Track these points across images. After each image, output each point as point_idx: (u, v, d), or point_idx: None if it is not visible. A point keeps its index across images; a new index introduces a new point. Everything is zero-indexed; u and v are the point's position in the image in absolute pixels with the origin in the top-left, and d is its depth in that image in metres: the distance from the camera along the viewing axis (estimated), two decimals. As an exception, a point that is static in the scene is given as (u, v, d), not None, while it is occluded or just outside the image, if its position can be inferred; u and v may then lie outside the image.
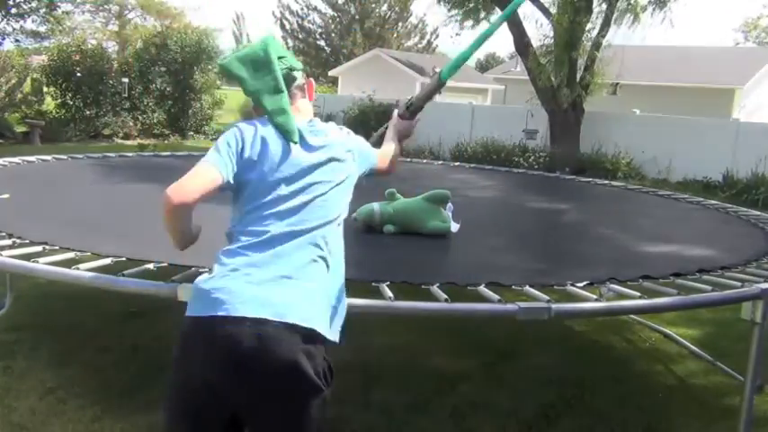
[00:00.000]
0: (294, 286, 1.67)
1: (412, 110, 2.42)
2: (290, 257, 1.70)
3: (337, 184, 1.86)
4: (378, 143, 2.28)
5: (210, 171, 1.70)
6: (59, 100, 16.29)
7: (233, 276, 1.64)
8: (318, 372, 1.63)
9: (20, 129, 15.27)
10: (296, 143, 1.78)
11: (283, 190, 1.74)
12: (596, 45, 13.60)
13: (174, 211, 1.69)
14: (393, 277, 2.53)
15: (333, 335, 1.81)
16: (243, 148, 1.75)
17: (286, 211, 1.74)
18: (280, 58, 1.85)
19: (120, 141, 16.11)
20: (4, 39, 16.82)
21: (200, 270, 2.40)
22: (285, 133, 1.78)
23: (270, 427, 1.63)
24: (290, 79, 1.87)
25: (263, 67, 1.82)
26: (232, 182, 1.73)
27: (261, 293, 1.61)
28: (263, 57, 1.83)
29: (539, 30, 14.51)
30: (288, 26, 35.13)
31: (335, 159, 1.86)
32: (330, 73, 27.07)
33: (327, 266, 1.81)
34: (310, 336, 1.64)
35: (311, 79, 2.00)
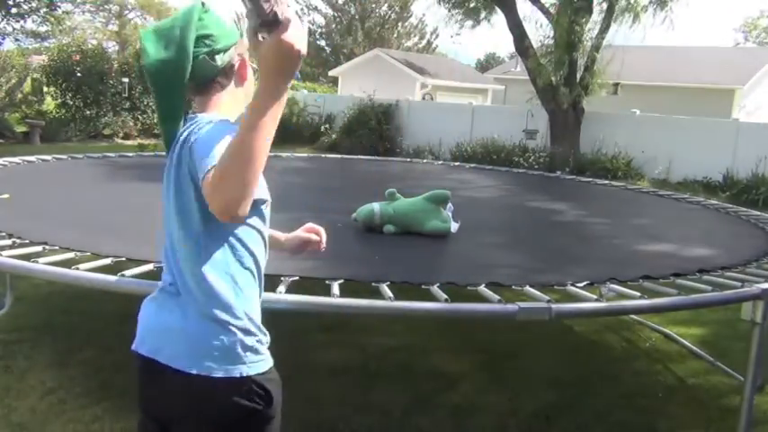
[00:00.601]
0: None
1: (261, 14, 1.08)
2: None
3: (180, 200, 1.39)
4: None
5: None
6: (59, 100, 16.29)
7: None
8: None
9: (20, 129, 15.27)
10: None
11: (168, 213, 1.45)
12: (596, 45, 13.61)
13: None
14: (393, 277, 2.53)
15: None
16: None
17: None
18: (202, 37, 1.39)
19: (120, 141, 16.11)
20: (4, 39, 16.82)
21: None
22: (165, 145, 1.43)
23: None
24: (206, 68, 1.40)
25: (171, 48, 1.36)
26: None
27: None
28: (177, 37, 1.36)
29: (539, 30, 14.53)
30: (288, 26, 35.13)
31: (176, 164, 1.40)
32: (330, 73, 27.08)
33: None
34: None
35: (242, 56, 1.48)
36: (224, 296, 1.38)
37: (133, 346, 1.51)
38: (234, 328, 1.40)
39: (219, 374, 1.36)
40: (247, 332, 1.43)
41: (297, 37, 1.09)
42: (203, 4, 1.42)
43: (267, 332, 1.53)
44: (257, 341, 1.47)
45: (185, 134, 1.36)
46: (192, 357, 1.37)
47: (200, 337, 1.38)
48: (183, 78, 1.36)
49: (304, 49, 1.10)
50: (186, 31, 1.35)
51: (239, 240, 1.40)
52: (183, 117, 1.40)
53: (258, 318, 1.49)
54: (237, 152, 1.12)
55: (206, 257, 1.37)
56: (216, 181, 1.14)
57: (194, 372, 1.36)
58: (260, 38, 1.11)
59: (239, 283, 1.41)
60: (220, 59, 1.42)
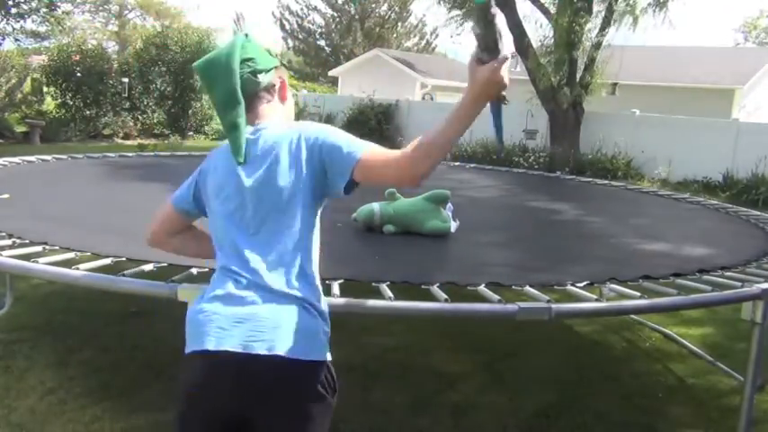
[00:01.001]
0: None
1: (488, 44, 1.39)
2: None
3: (289, 193, 1.56)
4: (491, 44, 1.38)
5: (166, 204, 1.80)
6: (59, 100, 16.29)
7: None
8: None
9: (20, 129, 15.27)
10: (241, 163, 1.59)
11: (238, 221, 1.60)
12: (596, 45, 13.61)
13: (153, 246, 1.86)
14: (393, 277, 2.53)
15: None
16: (200, 174, 1.74)
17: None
18: (246, 60, 1.64)
19: (120, 141, 16.11)
20: (3, 39, 16.82)
21: (200, 270, 2.41)
22: (233, 153, 1.59)
23: None
24: (250, 84, 1.64)
25: (222, 75, 1.62)
26: (189, 209, 1.77)
27: None
28: (224, 62, 1.62)
29: (539, 30, 14.53)
30: (288, 26, 35.15)
31: (278, 161, 1.57)
32: (330, 73, 27.09)
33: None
34: None
35: (282, 77, 1.75)
36: (314, 283, 1.60)
37: (197, 347, 1.51)
38: (317, 314, 1.59)
39: (313, 358, 1.51)
40: (324, 317, 1.61)
41: (506, 72, 1.40)
42: (247, 35, 1.69)
43: None
44: (328, 328, 1.63)
45: (293, 138, 1.58)
46: (296, 343, 1.49)
47: (297, 323, 1.52)
48: (235, 94, 1.60)
49: (507, 83, 1.42)
50: (231, 57, 1.61)
51: (316, 231, 1.65)
52: (245, 126, 1.61)
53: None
54: (443, 145, 1.46)
55: (300, 248, 1.57)
56: (419, 157, 1.45)
57: (297, 357, 1.48)
58: (478, 62, 1.41)
59: (316, 271, 1.63)
60: (262, 77, 1.67)
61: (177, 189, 1.78)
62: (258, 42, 1.72)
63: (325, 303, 1.63)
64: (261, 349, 1.45)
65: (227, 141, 1.63)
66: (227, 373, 1.45)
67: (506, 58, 1.39)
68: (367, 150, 1.53)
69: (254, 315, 1.49)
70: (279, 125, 1.64)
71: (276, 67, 1.73)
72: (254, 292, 1.52)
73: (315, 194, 1.59)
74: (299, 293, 1.54)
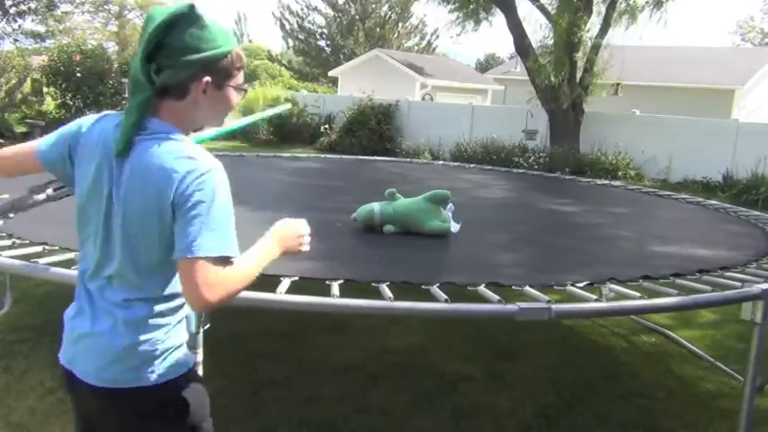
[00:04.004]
0: None
1: None
2: None
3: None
4: None
5: (28, 149, 1.62)
6: (59, 100, 16.29)
7: None
8: None
9: (20, 129, 15.27)
10: (118, 156, 1.39)
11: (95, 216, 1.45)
12: (596, 46, 13.61)
13: None
14: (393, 277, 2.53)
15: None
16: (71, 134, 1.53)
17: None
18: (160, 47, 1.38)
19: (120, 141, 16.10)
20: (3, 39, 16.83)
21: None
22: (119, 138, 1.39)
23: None
24: (156, 79, 1.40)
25: (141, 46, 1.40)
26: (47, 161, 1.56)
27: None
28: (144, 37, 1.39)
29: (539, 30, 14.54)
30: (288, 26, 35.14)
31: (138, 188, 1.38)
32: (330, 73, 27.07)
33: None
34: None
35: (205, 79, 1.42)
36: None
37: None
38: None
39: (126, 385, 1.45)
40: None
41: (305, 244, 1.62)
42: (192, 7, 1.41)
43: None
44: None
45: (166, 183, 1.34)
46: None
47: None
48: (137, 79, 1.40)
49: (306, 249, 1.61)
50: (147, 39, 1.38)
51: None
52: (138, 118, 1.40)
53: None
54: (244, 282, 1.40)
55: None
56: (219, 292, 1.33)
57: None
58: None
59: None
60: (165, 76, 1.39)
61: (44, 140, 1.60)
62: (204, 23, 1.42)
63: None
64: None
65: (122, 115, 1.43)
66: None
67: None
68: (203, 259, 1.32)
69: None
70: (168, 143, 1.38)
71: (209, 63, 1.42)
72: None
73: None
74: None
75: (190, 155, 1.38)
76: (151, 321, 1.43)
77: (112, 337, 1.42)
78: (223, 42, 1.44)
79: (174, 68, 1.39)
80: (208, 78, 1.42)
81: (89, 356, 1.48)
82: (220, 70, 1.45)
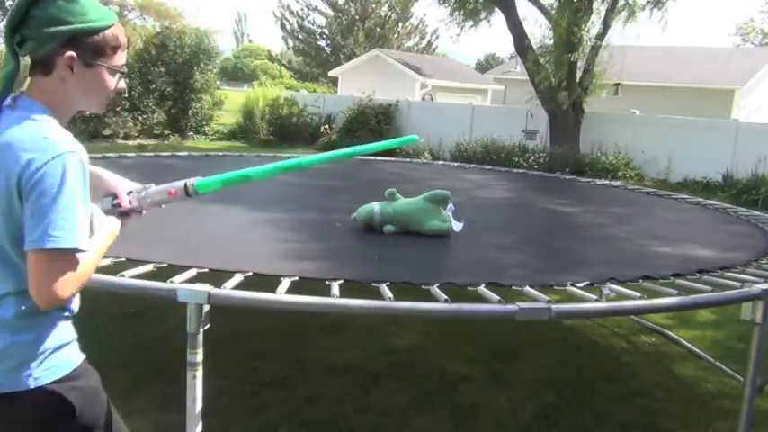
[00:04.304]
0: None
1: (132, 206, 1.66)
2: None
3: None
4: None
5: None
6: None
7: None
8: None
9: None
10: None
11: None
12: (596, 46, 13.62)
13: None
14: (393, 277, 2.53)
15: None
16: None
17: None
18: (31, 16, 1.32)
19: (120, 142, 16.11)
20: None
21: (200, 270, 2.41)
22: None
23: None
24: (20, 50, 1.34)
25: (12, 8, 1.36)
26: None
27: None
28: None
29: (538, 30, 14.55)
30: (288, 26, 35.16)
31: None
32: (330, 73, 27.08)
33: None
34: None
35: (69, 54, 1.33)
36: None
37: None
38: None
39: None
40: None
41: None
42: None
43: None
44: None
45: (17, 165, 1.25)
46: None
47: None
48: (8, 52, 1.34)
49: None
50: (18, 5, 1.32)
51: None
52: (5, 88, 1.35)
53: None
54: (90, 274, 1.38)
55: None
56: (69, 286, 1.28)
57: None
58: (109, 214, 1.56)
59: None
60: (29, 47, 1.32)
61: None
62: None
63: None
64: None
65: None
66: None
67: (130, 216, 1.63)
68: (50, 252, 1.24)
69: None
70: (26, 123, 1.30)
71: (74, 37, 1.34)
72: None
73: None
74: None
75: (45, 135, 1.27)
76: (21, 321, 1.33)
77: None
78: (96, 18, 1.36)
79: (37, 40, 1.32)
80: (72, 53, 1.33)
81: None
82: (89, 46, 1.36)
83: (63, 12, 1.32)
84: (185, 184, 1.60)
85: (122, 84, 1.46)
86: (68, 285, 1.27)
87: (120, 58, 1.43)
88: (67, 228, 1.24)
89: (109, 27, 1.39)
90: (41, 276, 1.25)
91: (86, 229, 1.31)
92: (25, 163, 1.24)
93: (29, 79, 1.35)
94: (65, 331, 1.43)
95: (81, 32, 1.34)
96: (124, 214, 1.60)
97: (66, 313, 1.44)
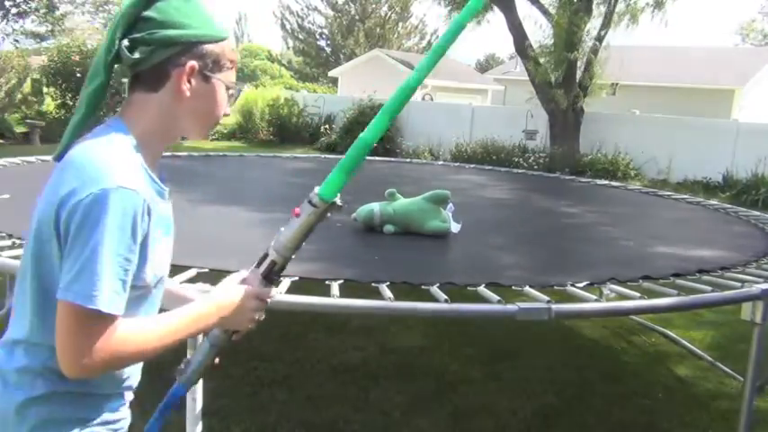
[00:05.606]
0: None
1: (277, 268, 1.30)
2: None
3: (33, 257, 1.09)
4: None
5: None
6: (59, 100, 16.29)
7: None
8: None
9: (20, 129, 15.28)
10: (55, 160, 1.15)
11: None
12: (595, 46, 13.62)
13: None
14: (393, 277, 2.53)
15: None
16: None
17: None
18: (144, 19, 1.12)
19: (120, 142, 16.10)
20: (3, 40, 16.85)
21: (200, 270, 2.41)
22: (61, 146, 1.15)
23: None
24: (123, 58, 1.12)
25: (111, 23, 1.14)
26: None
27: None
28: (121, 7, 1.13)
29: (539, 30, 14.54)
30: (288, 26, 35.16)
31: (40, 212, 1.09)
32: (330, 73, 27.10)
33: None
34: None
35: (191, 63, 1.13)
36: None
37: None
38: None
39: None
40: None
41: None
42: None
43: None
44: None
45: (65, 198, 1.02)
46: None
47: None
48: (104, 60, 1.12)
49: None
50: (128, 5, 1.11)
51: None
52: (93, 108, 1.15)
53: None
54: (142, 344, 1.07)
55: None
56: (102, 355, 1.01)
57: None
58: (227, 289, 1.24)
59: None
60: (141, 53, 1.11)
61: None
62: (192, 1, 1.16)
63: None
64: None
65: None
66: None
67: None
68: (77, 306, 0.99)
69: None
70: (92, 143, 1.09)
71: (196, 43, 1.14)
72: None
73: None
74: None
75: (102, 161, 1.04)
76: (39, 380, 1.08)
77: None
78: (215, 24, 1.18)
79: (152, 47, 1.10)
80: (194, 63, 1.13)
81: None
82: (209, 56, 1.15)
83: (182, 15, 1.13)
84: (308, 201, 1.26)
85: (229, 108, 1.23)
86: (96, 353, 1.00)
87: (234, 76, 1.22)
88: (90, 282, 0.99)
89: (227, 38, 1.19)
90: (61, 335, 1.02)
91: (119, 288, 1.02)
92: (68, 191, 1.02)
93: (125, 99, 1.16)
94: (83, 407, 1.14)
95: (203, 39, 1.15)
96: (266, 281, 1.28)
97: (87, 389, 1.12)
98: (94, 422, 1.14)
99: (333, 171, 1.25)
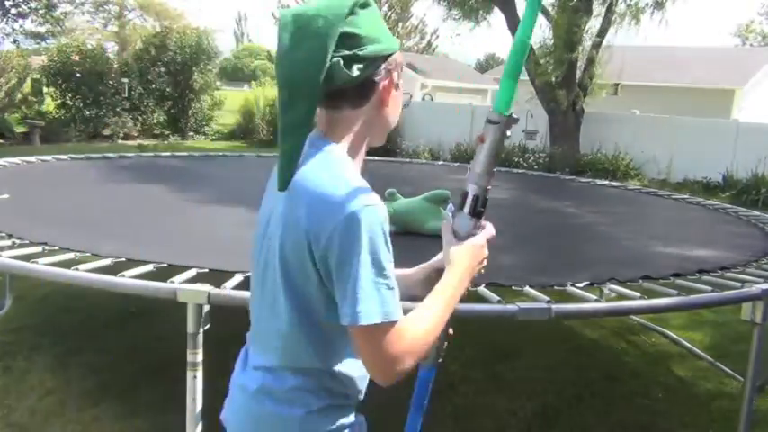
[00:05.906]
0: None
1: (478, 208, 1.38)
2: None
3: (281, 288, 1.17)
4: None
5: None
6: (59, 100, 16.29)
7: None
8: None
9: (20, 129, 15.29)
10: (280, 191, 1.17)
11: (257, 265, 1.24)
12: (595, 46, 13.62)
13: None
14: (393, 277, 2.52)
15: None
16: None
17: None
18: (346, 36, 1.10)
19: (120, 142, 16.11)
20: (3, 40, 16.85)
21: (200, 271, 2.41)
22: (278, 175, 1.17)
23: None
24: (337, 75, 1.10)
25: (306, 49, 1.09)
26: None
27: None
28: (316, 30, 1.09)
29: (538, 30, 14.53)
30: (288, 26, 35.15)
31: (280, 232, 1.15)
32: (330, 73, 27.09)
33: None
34: None
35: (393, 75, 1.18)
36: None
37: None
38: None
39: None
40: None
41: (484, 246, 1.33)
42: None
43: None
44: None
45: (308, 202, 1.10)
46: None
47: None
48: (316, 82, 1.09)
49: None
50: (331, 24, 1.08)
51: None
52: (307, 133, 1.15)
53: None
54: (428, 338, 1.19)
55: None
56: (407, 360, 1.14)
57: None
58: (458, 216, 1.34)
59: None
60: (358, 69, 1.11)
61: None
62: (376, 13, 1.18)
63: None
64: None
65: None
66: None
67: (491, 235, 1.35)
68: (370, 327, 1.08)
69: None
70: (320, 160, 1.14)
71: (388, 56, 1.16)
72: None
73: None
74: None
75: (342, 184, 1.09)
76: (287, 395, 1.20)
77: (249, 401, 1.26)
78: (391, 34, 1.21)
79: (363, 61, 1.11)
80: (395, 74, 1.18)
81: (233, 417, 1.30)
82: (399, 65, 1.20)
83: (376, 28, 1.15)
84: (487, 120, 1.28)
85: None
86: (400, 359, 1.11)
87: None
88: (370, 300, 1.07)
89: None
90: (365, 354, 1.12)
91: (395, 292, 1.12)
92: (317, 219, 1.08)
93: (321, 116, 1.18)
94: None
95: (395, 50, 1.18)
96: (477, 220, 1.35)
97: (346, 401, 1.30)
98: (347, 425, 1.34)
99: (501, 81, 1.27)
